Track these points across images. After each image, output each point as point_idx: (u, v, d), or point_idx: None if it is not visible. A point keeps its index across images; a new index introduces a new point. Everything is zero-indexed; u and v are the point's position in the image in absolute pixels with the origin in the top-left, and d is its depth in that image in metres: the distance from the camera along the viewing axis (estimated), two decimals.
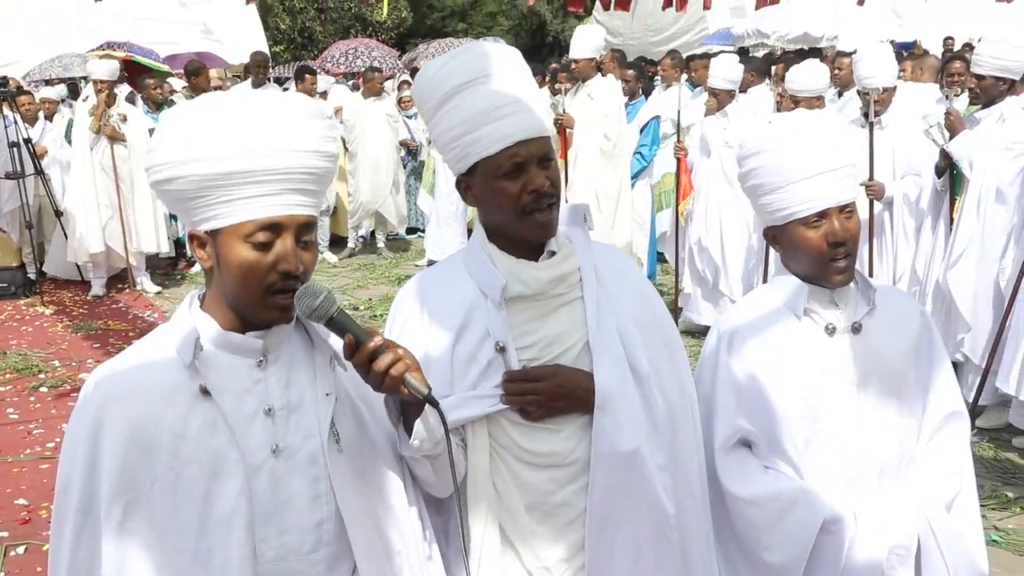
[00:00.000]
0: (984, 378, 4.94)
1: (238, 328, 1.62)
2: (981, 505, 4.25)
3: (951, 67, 7.01)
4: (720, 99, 6.82)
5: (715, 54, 10.12)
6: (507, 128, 1.82)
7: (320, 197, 1.65)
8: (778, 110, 6.50)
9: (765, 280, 5.97)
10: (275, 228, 1.56)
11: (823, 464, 2.09)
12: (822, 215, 2.05)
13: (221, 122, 1.54)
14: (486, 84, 1.84)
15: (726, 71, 6.83)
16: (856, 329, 2.12)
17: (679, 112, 6.97)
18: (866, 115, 5.40)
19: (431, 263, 9.50)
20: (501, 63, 1.87)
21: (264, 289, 1.57)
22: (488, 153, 1.84)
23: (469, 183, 1.92)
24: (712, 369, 2.19)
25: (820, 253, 2.06)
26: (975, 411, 5.08)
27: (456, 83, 1.85)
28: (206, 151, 1.53)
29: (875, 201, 5.39)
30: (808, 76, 5.95)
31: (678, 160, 6.96)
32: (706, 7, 9.75)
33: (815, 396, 2.09)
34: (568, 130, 7.33)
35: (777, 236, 2.15)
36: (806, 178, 2.03)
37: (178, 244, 9.67)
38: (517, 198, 1.85)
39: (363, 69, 11.72)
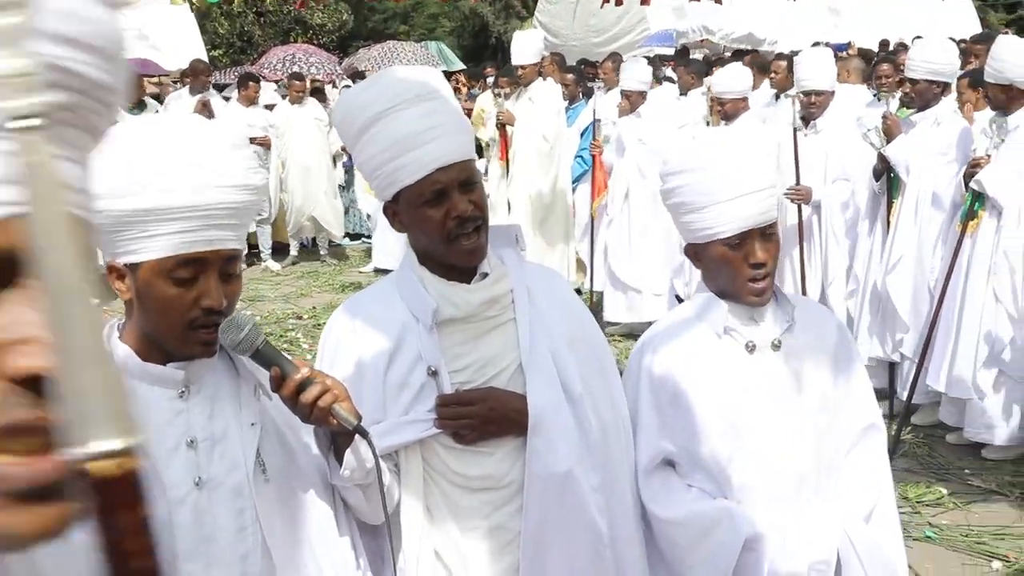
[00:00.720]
0: (917, 376, 5.06)
1: (158, 359, 1.59)
2: (916, 501, 4.40)
3: (879, 70, 7.15)
4: (632, 100, 7.04)
5: (652, 57, 10.22)
6: (426, 155, 1.82)
7: (244, 229, 1.63)
8: (710, 113, 6.64)
9: None
10: (198, 263, 1.53)
11: (745, 481, 2.12)
12: (743, 236, 2.07)
13: (139, 157, 1.50)
14: (405, 111, 1.83)
15: (637, 74, 7.06)
16: (776, 346, 2.15)
17: (595, 111, 7.25)
18: (804, 119, 5.49)
19: (377, 271, 9.48)
20: (420, 88, 1.87)
21: (186, 324, 1.54)
22: (409, 181, 1.84)
23: (395, 210, 1.91)
24: (634, 389, 2.21)
25: (739, 273, 2.09)
26: (909, 409, 5.20)
27: (376, 111, 1.84)
28: (124, 187, 1.48)
29: (802, 206, 5.47)
30: (731, 78, 6.13)
31: (593, 157, 7.17)
32: (644, 2, 9.81)
33: (737, 413, 2.12)
34: (509, 128, 7.40)
35: (698, 253, 2.17)
36: (729, 199, 2.05)
37: None
38: (442, 224, 1.85)
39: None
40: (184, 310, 1.53)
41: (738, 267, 2.09)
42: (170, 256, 1.51)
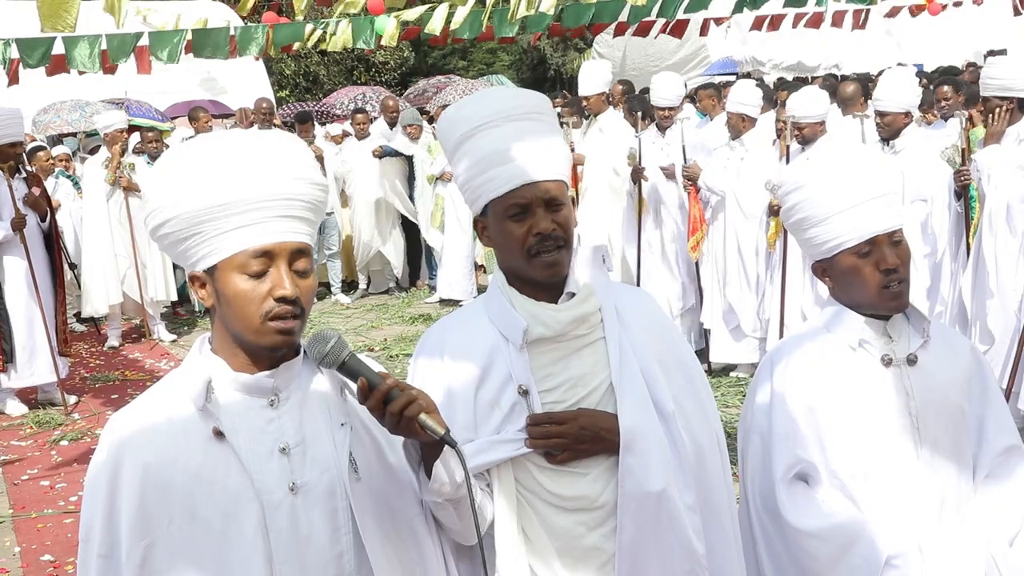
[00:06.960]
0: (1006, 399, 4.90)
1: (248, 368, 1.64)
2: None
3: (940, 92, 7.06)
4: (735, 124, 6.50)
5: (718, 84, 10.17)
6: (514, 170, 1.86)
7: (312, 225, 1.67)
8: (778, 138, 6.37)
9: (782, 314, 5.94)
10: (267, 255, 1.59)
11: (883, 497, 2.07)
12: (871, 243, 2.05)
13: (203, 159, 1.59)
14: (501, 127, 1.88)
15: (746, 96, 6.51)
16: (912, 361, 2.11)
17: (683, 143, 6.66)
18: (885, 140, 5.40)
19: (442, 301, 9.55)
20: (519, 107, 1.91)
21: (263, 316, 1.59)
22: (496, 194, 1.88)
23: (484, 223, 1.95)
24: (767, 402, 2.17)
25: (874, 281, 2.06)
26: None
27: (473, 124, 1.89)
28: (190, 188, 1.57)
29: None
30: (809, 102, 5.89)
31: (688, 192, 6.63)
32: (702, 33, 9.82)
33: (874, 428, 2.07)
34: (579, 167, 7.36)
35: (827, 269, 2.15)
36: (850, 207, 2.04)
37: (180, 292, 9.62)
38: (523, 240, 1.87)
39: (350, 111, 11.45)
40: (259, 302, 1.58)
41: (870, 275, 2.06)
42: (240, 251, 1.58)
